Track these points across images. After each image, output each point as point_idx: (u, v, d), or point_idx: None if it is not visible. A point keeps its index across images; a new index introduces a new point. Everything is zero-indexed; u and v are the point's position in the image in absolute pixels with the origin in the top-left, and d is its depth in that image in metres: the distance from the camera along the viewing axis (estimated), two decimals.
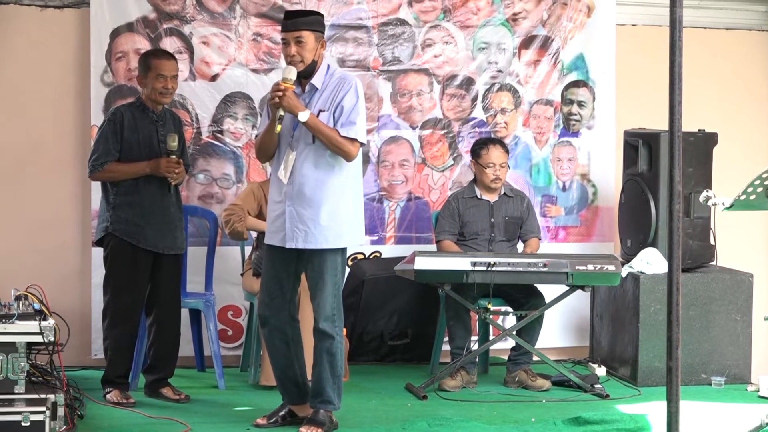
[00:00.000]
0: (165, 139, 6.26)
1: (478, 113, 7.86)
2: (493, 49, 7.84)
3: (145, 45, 7.24)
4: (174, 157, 6.23)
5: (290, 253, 5.54)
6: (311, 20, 5.53)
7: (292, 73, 5.42)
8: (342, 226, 5.52)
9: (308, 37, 5.45)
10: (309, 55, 5.46)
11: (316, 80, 5.52)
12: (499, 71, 7.88)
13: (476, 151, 7.17)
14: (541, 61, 7.92)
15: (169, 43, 7.34)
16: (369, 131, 7.17)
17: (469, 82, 7.85)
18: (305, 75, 5.50)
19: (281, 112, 5.38)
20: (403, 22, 7.73)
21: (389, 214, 7.71)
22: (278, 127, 5.39)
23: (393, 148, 7.78)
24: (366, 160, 7.28)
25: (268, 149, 5.62)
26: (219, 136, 7.51)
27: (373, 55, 7.68)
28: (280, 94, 5.36)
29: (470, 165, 7.34)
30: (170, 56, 6.43)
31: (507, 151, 7.24)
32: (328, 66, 5.61)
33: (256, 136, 5.72)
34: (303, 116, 5.36)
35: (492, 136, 7.72)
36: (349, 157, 5.44)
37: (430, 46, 7.80)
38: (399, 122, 7.77)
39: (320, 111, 5.47)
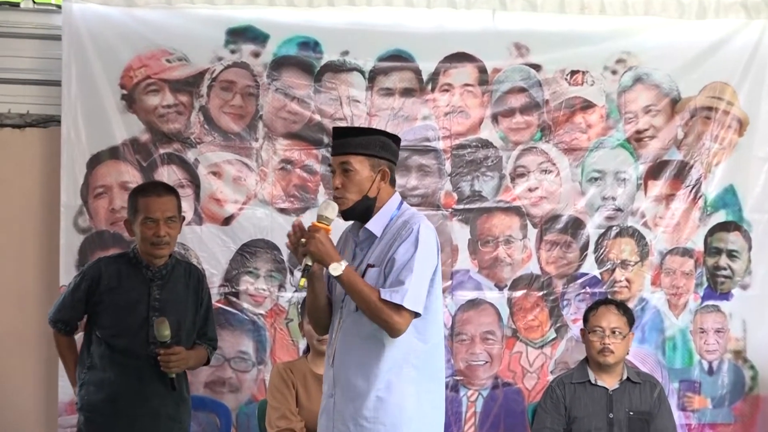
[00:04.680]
0: (154, 321, 5.72)
1: (590, 268, 7.11)
2: (610, 180, 7.12)
3: (134, 177, 6.63)
4: (168, 349, 5.69)
5: None
6: (364, 141, 4.88)
7: (331, 211, 4.80)
8: (399, 427, 4.78)
9: (359, 164, 4.83)
10: (356, 189, 4.83)
11: (373, 225, 4.88)
12: (618, 210, 7.14)
13: (585, 315, 6.48)
14: (675, 196, 7.17)
15: (167, 174, 6.70)
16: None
17: (576, 226, 7.09)
18: (361, 217, 4.88)
19: (309, 261, 4.74)
20: (485, 144, 7.02)
21: (467, 407, 6.93)
22: (302, 281, 4.81)
23: (472, 315, 7.01)
24: None
25: (318, 317, 5.04)
26: (233, 300, 6.76)
27: (444, 189, 7.00)
28: (309, 236, 4.76)
29: (580, 337, 6.56)
30: (164, 191, 5.84)
31: (628, 317, 6.43)
32: (400, 206, 4.96)
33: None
34: (334, 269, 4.71)
35: (609, 297, 6.92)
36: (392, 332, 4.74)
37: (523, 176, 7.10)
38: (480, 280, 7.03)
39: (368, 266, 4.86)
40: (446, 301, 6.78)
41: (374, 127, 6.62)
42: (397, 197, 4.95)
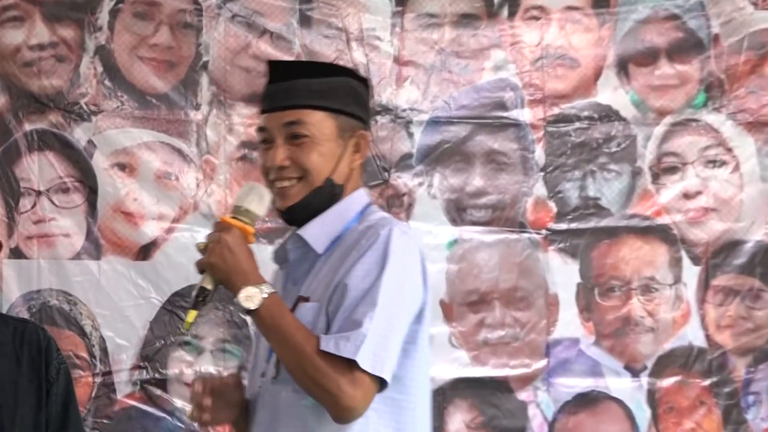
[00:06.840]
0: None
1: None
2: None
3: None
4: None
5: None
6: (326, 85, 3.16)
7: (257, 201, 3.03)
8: None
9: (320, 124, 3.11)
10: (317, 167, 3.11)
11: (313, 232, 3.11)
12: None
13: None
14: None
15: (38, 167, 5.43)
16: (527, 379, 5.33)
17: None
18: (303, 216, 3.15)
19: (207, 283, 2.93)
20: (607, 114, 5.45)
21: None
22: (189, 317, 2.91)
23: (585, 420, 5.49)
24: None
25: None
26: (156, 393, 5.36)
27: (533, 195, 5.49)
28: (211, 237, 3.10)
29: None
30: None
31: None
32: (366, 206, 3.16)
33: None
34: (248, 297, 2.90)
35: None
36: (339, 411, 3.00)
37: (675, 171, 5.55)
38: (600, 358, 5.51)
39: (299, 299, 3.13)
40: (539, 395, 5.29)
41: (408, 81, 5.25)
42: (362, 195, 3.40)
